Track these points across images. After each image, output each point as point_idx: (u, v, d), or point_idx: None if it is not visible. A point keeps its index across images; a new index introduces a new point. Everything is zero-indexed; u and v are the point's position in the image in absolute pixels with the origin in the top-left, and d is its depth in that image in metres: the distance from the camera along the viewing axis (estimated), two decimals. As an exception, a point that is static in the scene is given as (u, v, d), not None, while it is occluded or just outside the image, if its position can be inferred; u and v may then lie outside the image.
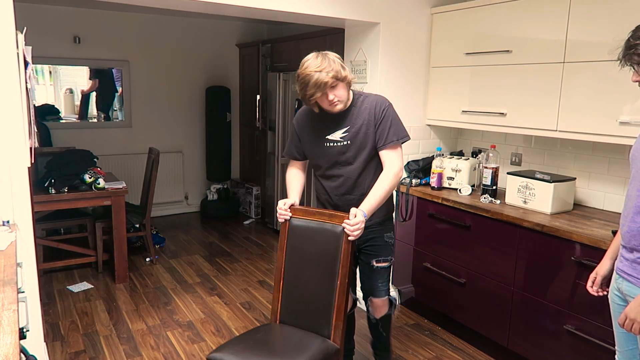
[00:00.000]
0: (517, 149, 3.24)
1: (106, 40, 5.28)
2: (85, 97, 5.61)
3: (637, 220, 1.59)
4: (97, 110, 5.65)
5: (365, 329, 3.23)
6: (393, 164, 2.19)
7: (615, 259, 1.76)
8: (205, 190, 6.04)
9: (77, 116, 5.57)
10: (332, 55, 2.16)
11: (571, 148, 2.92)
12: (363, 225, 2.05)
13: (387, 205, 2.31)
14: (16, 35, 2.12)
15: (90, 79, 5.54)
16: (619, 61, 1.62)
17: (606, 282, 1.86)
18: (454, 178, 3.20)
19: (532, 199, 2.70)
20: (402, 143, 2.24)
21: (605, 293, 1.85)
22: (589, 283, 1.89)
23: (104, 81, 5.59)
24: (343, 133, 2.24)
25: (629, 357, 1.76)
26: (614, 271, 1.75)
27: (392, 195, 2.34)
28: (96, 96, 5.62)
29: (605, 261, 1.85)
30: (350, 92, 2.25)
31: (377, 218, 2.27)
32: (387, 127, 2.21)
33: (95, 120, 5.63)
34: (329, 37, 4.32)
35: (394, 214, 2.39)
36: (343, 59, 3.48)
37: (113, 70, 5.53)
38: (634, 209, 1.61)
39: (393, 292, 2.36)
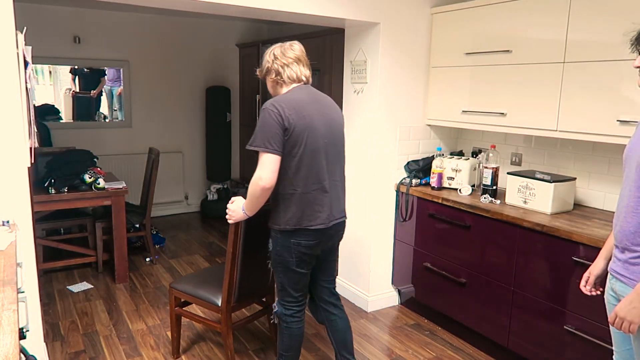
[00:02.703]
0: (517, 149, 3.24)
1: (106, 40, 5.28)
2: (86, 99, 5.61)
3: (630, 220, 1.59)
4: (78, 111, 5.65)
5: (365, 329, 3.23)
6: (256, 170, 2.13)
7: (610, 258, 1.76)
8: (205, 190, 6.04)
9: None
10: (278, 49, 2.26)
11: (571, 148, 2.92)
12: (231, 208, 2.29)
13: (274, 214, 2.24)
14: (16, 35, 2.12)
15: (73, 80, 5.54)
16: (630, 44, 1.61)
17: (600, 281, 1.85)
18: (454, 178, 3.20)
19: (532, 199, 2.70)
20: (256, 150, 2.11)
21: (598, 293, 1.85)
22: (583, 282, 1.88)
23: (89, 81, 5.58)
24: None
25: (627, 357, 1.76)
26: (608, 272, 1.75)
27: (279, 207, 2.21)
28: (76, 97, 5.62)
29: (599, 260, 1.85)
30: (283, 90, 2.24)
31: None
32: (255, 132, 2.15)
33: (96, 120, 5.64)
34: (329, 37, 4.32)
35: (281, 227, 2.21)
36: (343, 58, 3.51)
37: (105, 70, 5.53)
38: (627, 209, 1.61)
39: (277, 306, 2.38)
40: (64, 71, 5.53)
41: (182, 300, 2.78)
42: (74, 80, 5.57)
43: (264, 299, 2.88)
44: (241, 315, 3.12)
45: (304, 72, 2.27)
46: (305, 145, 2.14)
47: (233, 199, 2.32)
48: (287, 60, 2.24)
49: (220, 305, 2.55)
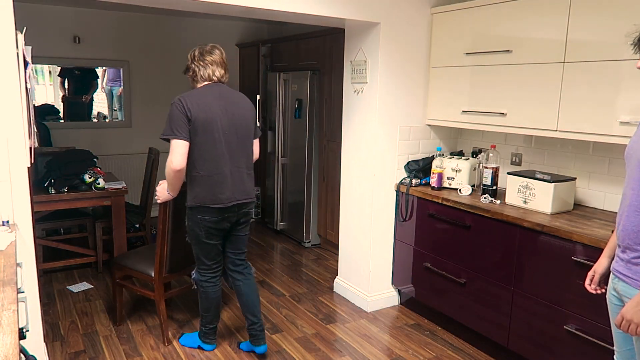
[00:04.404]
0: (517, 149, 3.24)
1: (106, 40, 5.28)
2: (78, 104, 5.55)
3: (632, 220, 1.59)
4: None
5: (365, 329, 3.23)
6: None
7: (613, 257, 1.76)
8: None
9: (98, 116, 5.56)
10: (197, 51, 2.61)
11: (571, 148, 2.92)
12: (158, 190, 2.66)
13: (187, 193, 2.62)
14: (16, 35, 2.12)
15: (62, 84, 5.46)
16: (633, 46, 1.61)
17: (604, 279, 1.86)
18: (454, 178, 3.20)
19: (532, 199, 2.70)
20: (167, 138, 2.47)
21: (603, 291, 1.85)
22: (587, 281, 1.89)
23: (80, 84, 5.52)
24: None
25: (628, 357, 1.76)
26: (611, 271, 1.75)
27: (188, 187, 2.60)
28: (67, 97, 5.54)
29: (603, 259, 1.85)
30: (197, 86, 2.63)
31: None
32: None
33: (95, 120, 5.63)
34: (329, 37, 4.32)
35: (188, 203, 2.60)
36: (343, 58, 3.51)
37: (97, 73, 5.49)
38: (629, 208, 1.61)
39: (194, 273, 2.76)
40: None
41: (124, 273, 3.16)
42: (63, 83, 5.47)
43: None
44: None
45: (217, 73, 2.62)
46: (206, 134, 2.50)
47: (160, 182, 2.67)
48: (203, 62, 2.60)
49: (153, 276, 2.92)
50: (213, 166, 2.54)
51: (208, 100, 2.54)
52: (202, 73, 2.59)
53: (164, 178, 2.63)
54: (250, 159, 2.73)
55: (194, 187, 2.57)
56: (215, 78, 2.61)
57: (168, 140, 2.47)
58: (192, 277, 2.78)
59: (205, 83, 2.61)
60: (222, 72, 2.64)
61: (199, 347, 2.90)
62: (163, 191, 2.65)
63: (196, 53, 2.61)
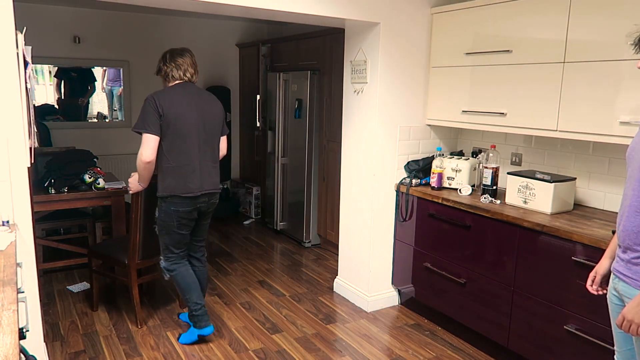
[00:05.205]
0: (517, 149, 3.24)
1: (106, 40, 5.28)
2: (74, 106, 5.53)
3: (633, 220, 1.59)
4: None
5: (365, 329, 3.23)
6: None
7: (614, 258, 1.77)
8: (205, 190, 6.03)
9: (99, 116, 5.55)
10: (168, 54, 2.83)
11: (571, 148, 2.92)
12: (130, 181, 2.85)
13: (158, 184, 2.78)
14: (16, 35, 2.12)
15: (58, 86, 5.43)
16: (634, 45, 1.61)
17: (605, 280, 1.86)
18: (454, 178, 3.20)
19: (532, 199, 2.70)
20: (138, 133, 2.68)
21: (605, 292, 1.85)
22: (589, 282, 1.89)
23: (77, 85, 5.50)
24: None
25: (628, 357, 1.76)
26: (612, 271, 1.75)
27: (159, 177, 2.77)
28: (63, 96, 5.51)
29: (604, 260, 1.86)
30: (169, 85, 2.84)
31: None
32: None
33: (95, 120, 5.63)
34: (329, 37, 4.32)
35: (160, 193, 2.77)
36: (343, 58, 3.51)
37: (94, 75, 5.48)
38: (630, 208, 1.61)
39: (162, 263, 2.93)
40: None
41: (100, 262, 3.39)
42: (59, 85, 5.43)
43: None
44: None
45: (187, 73, 2.83)
46: (176, 128, 2.70)
47: (132, 174, 2.85)
48: (174, 63, 2.81)
49: (127, 262, 3.11)
50: (183, 158, 2.74)
51: (179, 97, 2.76)
52: (173, 73, 2.80)
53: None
54: (216, 154, 2.93)
55: (166, 177, 2.75)
56: (186, 78, 2.83)
57: (140, 133, 2.67)
58: (162, 266, 2.93)
59: (177, 82, 2.82)
60: (193, 72, 2.85)
61: (199, 336, 2.96)
62: (135, 182, 2.84)
63: (167, 56, 2.83)
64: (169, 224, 2.80)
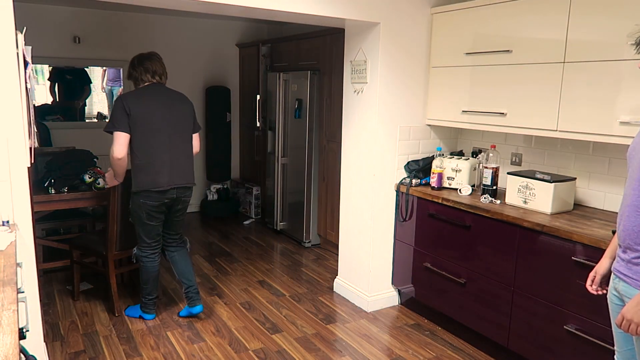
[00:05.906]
0: (517, 149, 3.24)
1: (106, 40, 5.28)
2: (68, 109, 5.52)
3: (633, 220, 1.59)
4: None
5: (365, 329, 3.23)
6: None
7: (614, 258, 1.77)
8: (205, 190, 6.04)
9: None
10: (137, 59, 3.02)
11: (571, 148, 2.92)
12: (107, 176, 3.10)
13: (132, 179, 2.98)
14: (16, 35, 2.12)
15: (52, 88, 5.41)
16: (635, 45, 1.61)
17: (605, 280, 1.86)
18: (454, 178, 3.20)
19: (532, 199, 2.70)
20: (109, 133, 2.91)
21: (604, 292, 1.86)
22: (589, 282, 1.89)
23: (72, 88, 5.47)
24: None
25: (628, 357, 1.76)
26: (612, 271, 1.75)
27: (132, 173, 2.98)
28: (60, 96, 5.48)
29: (604, 260, 1.86)
30: (139, 86, 3.03)
31: None
32: None
33: (95, 120, 5.63)
34: (329, 37, 4.32)
35: (133, 189, 2.98)
36: (343, 58, 3.51)
37: (90, 77, 5.46)
38: (630, 208, 1.61)
39: (135, 250, 3.17)
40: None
41: (80, 253, 3.53)
42: (52, 88, 5.39)
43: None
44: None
45: (156, 76, 3.02)
46: (144, 126, 2.90)
47: (109, 169, 3.05)
48: (143, 67, 3.01)
49: (105, 253, 3.29)
50: (152, 154, 2.93)
51: (147, 96, 2.97)
52: (142, 77, 3.01)
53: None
54: (188, 149, 3.11)
55: (137, 174, 2.95)
56: (155, 80, 3.03)
57: (111, 133, 2.89)
58: (134, 252, 3.16)
59: (147, 83, 3.03)
60: (161, 73, 3.05)
61: (140, 317, 3.26)
62: (111, 177, 3.08)
63: (136, 61, 3.03)
64: (140, 215, 3.01)
